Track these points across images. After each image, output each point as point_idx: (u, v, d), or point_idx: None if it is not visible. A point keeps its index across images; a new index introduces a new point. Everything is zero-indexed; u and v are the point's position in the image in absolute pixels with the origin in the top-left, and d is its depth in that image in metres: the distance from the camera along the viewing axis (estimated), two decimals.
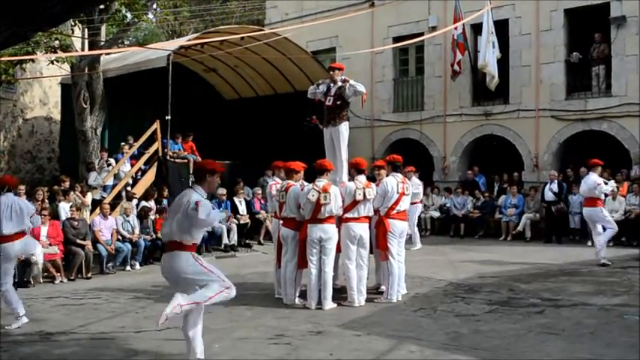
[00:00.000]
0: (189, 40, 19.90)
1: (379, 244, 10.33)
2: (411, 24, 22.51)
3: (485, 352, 7.23)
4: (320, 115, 11.70)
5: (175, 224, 6.73)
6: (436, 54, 22.10)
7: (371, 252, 10.58)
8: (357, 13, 21.85)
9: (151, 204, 16.73)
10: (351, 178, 10.52)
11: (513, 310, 9.37)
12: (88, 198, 16.35)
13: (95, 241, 14.53)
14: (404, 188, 10.46)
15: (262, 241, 18.49)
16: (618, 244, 16.27)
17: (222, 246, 17.42)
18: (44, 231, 13.31)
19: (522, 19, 20.40)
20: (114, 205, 16.37)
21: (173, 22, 31.41)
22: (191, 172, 18.88)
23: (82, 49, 20.18)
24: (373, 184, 10.36)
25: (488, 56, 19.71)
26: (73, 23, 19.29)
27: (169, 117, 17.79)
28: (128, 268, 14.95)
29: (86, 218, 15.04)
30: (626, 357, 7.02)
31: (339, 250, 10.14)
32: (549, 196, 18.12)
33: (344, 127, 11.12)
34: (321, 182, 9.89)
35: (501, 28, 20.44)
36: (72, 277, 13.55)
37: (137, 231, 15.46)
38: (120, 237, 15.06)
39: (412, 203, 13.49)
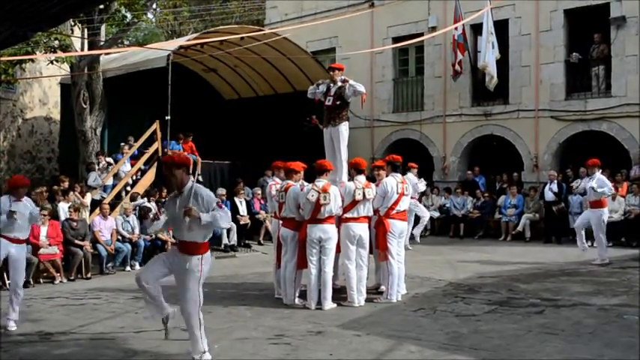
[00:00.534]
0: (188, 40, 19.87)
1: (379, 245, 10.33)
2: (411, 24, 22.51)
3: (485, 352, 7.23)
4: (320, 115, 11.70)
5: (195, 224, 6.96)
6: (436, 54, 22.09)
7: (371, 252, 10.58)
8: (356, 13, 21.87)
9: (152, 204, 16.68)
10: (351, 178, 10.52)
11: (513, 310, 9.37)
12: (88, 198, 16.34)
13: (95, 242, 14.51)
14: (403, 188, 10.46)
15: (262, 242, 18.49)
16: (618, 245, 16.30)
17: (222, 246, 17.39)
18: (44, 231, 13.29)
19: (522, 20, 20.38)
20: (113, 205, 16.35)
21: (173, 22, 31.38)
22: (197, 172, 19.09)
23: (82, 49, 20.16)
24: (373, 184, 10.36)
25: (488, 56, 19.72)
26: (72, 23, 19.28)
27: (169, 117, 17.76)
28: (128, 268, 14.92)
29: (86, 218, 15.04)
30: (625, 357, 7.02)
31: (338, 250, 10.13)
32: (549, 196, 18.13)
33: (344, 127, 11.12)
34: (321, 182, 9.88)
35: (501, 28, 20.44)
36: (72, 278, 13.55)
37: (137, 231, 15.44)
38: (119, 237, 15.04)
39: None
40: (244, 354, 7.37)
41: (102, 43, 20.12)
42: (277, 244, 10.73)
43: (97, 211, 15.41)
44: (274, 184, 11.17)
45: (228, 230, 17.63)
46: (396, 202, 10.33)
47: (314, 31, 22.79)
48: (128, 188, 18.25)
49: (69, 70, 20.04)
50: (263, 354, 7.35)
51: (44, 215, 13.43)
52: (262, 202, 18.88)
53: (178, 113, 18.20)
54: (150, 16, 27.93)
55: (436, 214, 20.91)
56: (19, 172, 23.52)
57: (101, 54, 19.63)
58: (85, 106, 19.51)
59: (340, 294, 10.29)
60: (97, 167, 18.38)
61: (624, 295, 10.26)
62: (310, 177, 10.44)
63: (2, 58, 16.68)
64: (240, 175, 19.77)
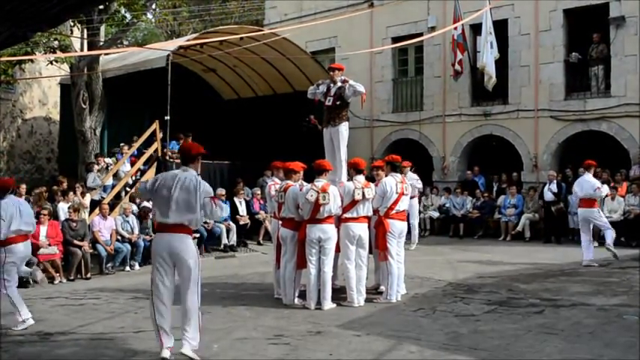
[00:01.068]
0: (188, 41, 19.89)
1: (378, 245, 10.33)
2: (410, 24, 22.47)
3: (485, 352, 7.23)
4: (319, 115, 11.70)
5: (184, 206, 7.02)
6: (435, 54, 22.06)
7: (370, 252, 10.58)
8: (356, 13, 21.86)
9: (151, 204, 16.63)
10: (350, 178, 10.52)
11: (512, 310, 9.37)
12: (87, 199, 16.35)
13: (94, 242, 14.51)
14: (403, 188, 10.46)
15: (261, 242, 18.45)
16: (617, 245, 16.27)
17: (222, 246, 17.41)
18: (43, 231, 13.30)
19: (521, 19, 20.36)
20: (113, 205, 16.35)
21: (172, 22, 31.38)
22: (197, 172, 18.90)
23: (81, 50, 20.20)
24: (372, 184, 10.36)
25: (486, 56, 19.70)
26: (72, 23, 19.31)
27: (168, 117, 17.74)
28: (127, 268, 14.95)
29: (85, 218, 15.03)
30: (625, 357, 7.02)
31: (338, 250, 10.13)
32: (548, 196, 18.10)
33: (343, 128, 11.13)
34: (320, 182, 9.88)
35: (500, 28, 20.40)
36: (71, 278, 13.57)
37: (136, 231, 15.44)
38: (119, 237, 15.04)
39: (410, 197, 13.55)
40: (244, 354, 7.37)
41: (101, 44, 20.16)
42: (277, 244, 10.73)
43: (97, 211, 15.40)
44: (273, 184, 11.17)
45: (228, 230, 17.70)
46: (396, 202, 10.33)
47: (313, 31, 22.78)
48: (127, 188, 18.20)
49: (68, 70, 20.08)
50: (262, 354, 7.35)
51: (44, 215, 13.46)
52: (262, 202, 18.89)
53: (178, 113, 18.19)
54: (149, 16, 27.91)
55: (436, 214, 20.90)
56: (19, 172, 23.57)
57: (101, 54, 19.65)
58: (84, 107, 19.53)
59: (340, 294, 10.30)
60: (96, 168, 18.35)
61: (624, 295, 10.26)
62: (309, 177, 10.45)
63: (2, 59, 16.69)
64: (239, 175, 19.78)
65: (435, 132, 22.29)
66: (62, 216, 14.87)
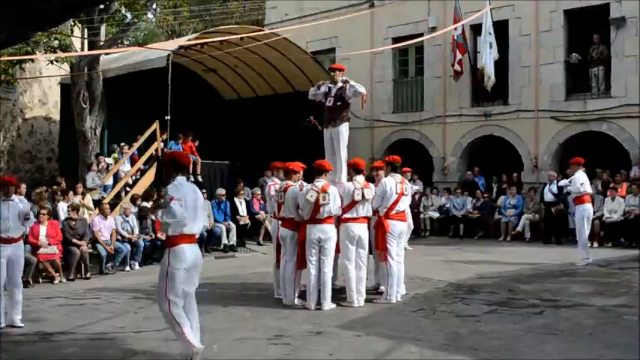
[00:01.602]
0: (188, 40, 19.89)
1: (378, 245, 10.32)
2: (411, 25, 22.43)
3: (485, 353, 7.23)
4: (319, 115, 11.67)
5: (202, 216, 7.30)
6: (436, 55, 22.01)
7: (370, 252, 10.58)
8: (356, 14, 21.84)
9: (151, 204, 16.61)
10: (350, 178, 10.51)
11: (513, 310, 9.37)
12: (88, 199, 16.38)
13: (94, 241, 14.49)
14: (403, 189, 10.46)
15: (261, 242, 18.42)
16: (617, 245, 16.30)
17: (222, 246, 17.40)
18: (43, 231, 13.27)
19: (522, 20, 20.34)
20: (113, 205, 16.32)
21: (173, 22, 31.38)
22: (197, 172, 19.15)
23: (82, 49, 20.17)
24: (372, 185, 10.36)
25: (486, 57, 19.69)
26: (72, 23, 19.29)
27: (169, 117, 17.70)
28: (127, 268, 14.93)
29: (86, 218, 15.02)
30: (625, 357, 7.02)
31: (338, 250, 10.13)
32: (549, 197, 18.14)
33: (344, 128, 11.11)
34: (320, 182, 9.88)
35: (501, 28, 20.39)
36: (71, 277, 13.54)
37: (136, 231, 15.44)
38: (119, 237, 15.02)
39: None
40: (244, 354, 7.38)
41: (102, 44, 20.10)
42: (276, 245, 10.72)
43: (97, 210, 15.39)
44: (273, 184, 11.17)
45: (228, 230, 17.68)
46: (395, 203, 10.32)
47: (314, 32, 22.74)
48: (127, 188, 18.21)
49: (69, 70, 20.06)
50: (262, 354, 7.35)
51: (43, 214, 13.44)
52: (262, 202, 18.82)
53: (178, 113, 18.15)
54: (150, 16, 27.92)
55: (436, 215, 20.89)
56: (19, 172, 23.50)
57: (101, 54, 19.62)
58: (84, 106, 19.53)
59: (340, 294, 10.29)
60: (96, 168, 18.38)
61: (624, 296, 10.25)
62: (309, 177, 10.44)
63: (2, 58, 16.68)
64: (239, 176, 19.77)
65: (435, 132, 22.25)
66: (62, 215, 14.87)
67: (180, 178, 7.02)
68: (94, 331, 8.58)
